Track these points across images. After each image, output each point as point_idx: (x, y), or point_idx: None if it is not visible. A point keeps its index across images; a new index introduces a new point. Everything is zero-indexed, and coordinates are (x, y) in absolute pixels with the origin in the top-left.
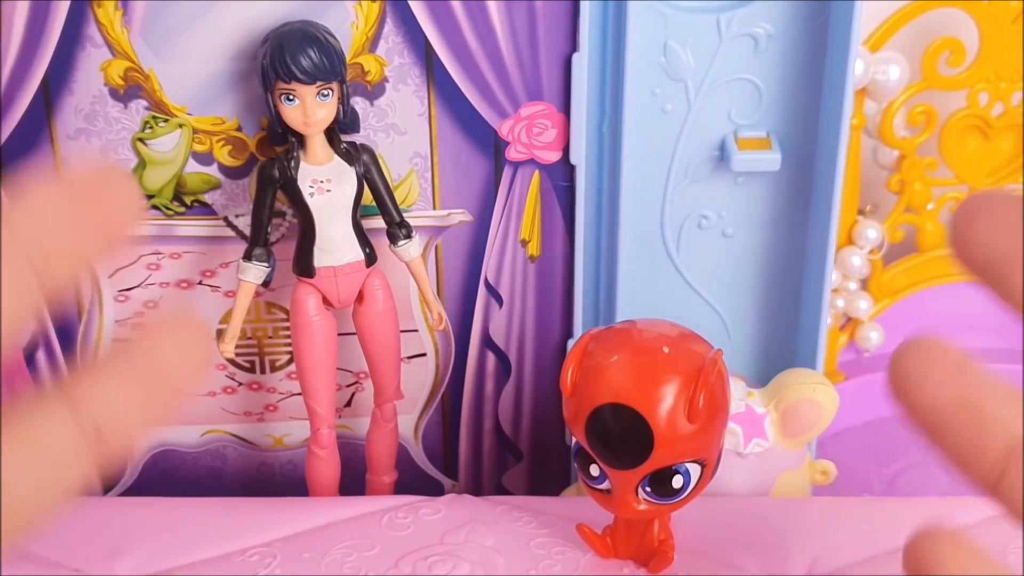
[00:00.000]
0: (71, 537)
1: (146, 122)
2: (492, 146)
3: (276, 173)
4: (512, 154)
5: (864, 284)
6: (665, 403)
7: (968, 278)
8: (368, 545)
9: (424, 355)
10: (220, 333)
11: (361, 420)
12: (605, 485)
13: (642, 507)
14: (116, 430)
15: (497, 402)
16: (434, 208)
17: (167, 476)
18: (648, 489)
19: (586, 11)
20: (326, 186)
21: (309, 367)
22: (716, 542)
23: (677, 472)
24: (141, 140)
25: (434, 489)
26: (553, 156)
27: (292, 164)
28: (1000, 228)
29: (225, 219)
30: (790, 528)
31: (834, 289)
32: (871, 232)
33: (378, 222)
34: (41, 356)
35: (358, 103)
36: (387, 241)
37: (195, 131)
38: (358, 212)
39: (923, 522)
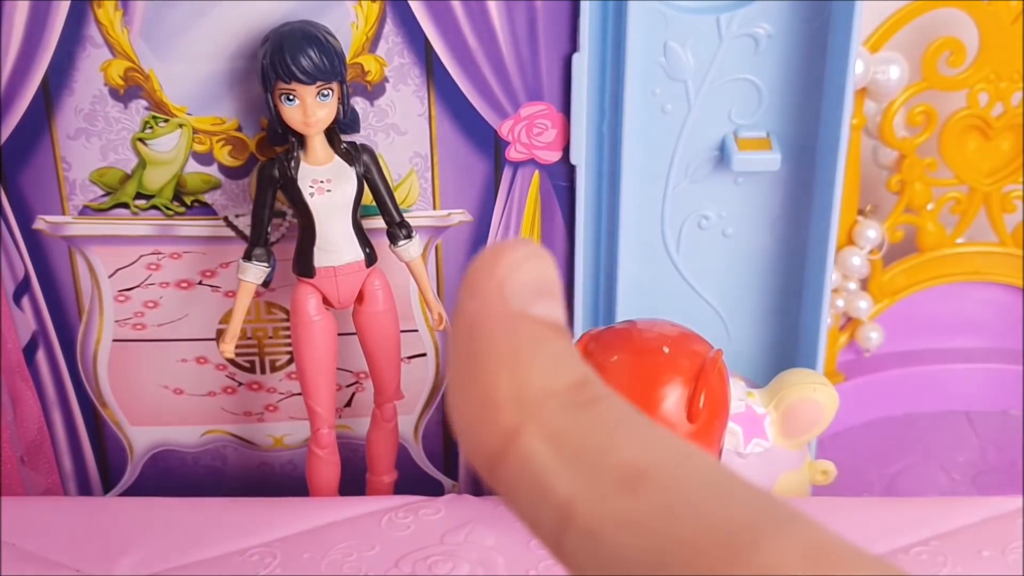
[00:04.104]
0: (71, 537)
1: (146, 122)
2: (492, 146)
3: (276, 173)
4: (512, 154)
5: (864, 284)
6: (665, 403)
7: (968, 278)
8: (368, 545)
9: (424, 355)
10: (220, 333)
11: (361, 420)
12: None
13: None
14: None
15: None
16: (434, 208)
17: (167, 476)
18: None
19: (586, 11)
20: (326, 186)
21: (309, 367)
22: None
23: None
24: (141, 140)
25: (434, 489)
26: (553, 156)
27: (292, 164)
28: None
29: (225, 219)
30: None
31: (834, 289)
32: (871, 232)
33: (378, 222)
34: (41, 356)
35: (358, 103)
36: (387, 241)
37: (195, 131)
38: (358, 212)
39: None
